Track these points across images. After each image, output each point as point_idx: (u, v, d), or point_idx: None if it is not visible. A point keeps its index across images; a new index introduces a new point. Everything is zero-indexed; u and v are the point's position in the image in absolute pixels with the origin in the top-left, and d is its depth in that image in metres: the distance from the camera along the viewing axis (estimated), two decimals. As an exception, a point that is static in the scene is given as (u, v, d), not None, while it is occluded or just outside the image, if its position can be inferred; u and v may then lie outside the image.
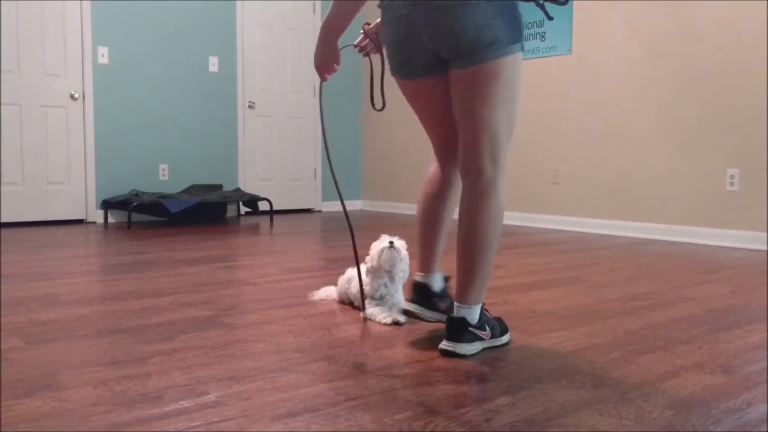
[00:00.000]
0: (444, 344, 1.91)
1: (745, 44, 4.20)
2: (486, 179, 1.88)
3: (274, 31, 6.62)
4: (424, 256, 2.11)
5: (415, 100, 2.04)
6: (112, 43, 5.72)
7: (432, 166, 2.13)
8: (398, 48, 1.94)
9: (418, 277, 2.11)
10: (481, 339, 1.92)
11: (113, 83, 5.75)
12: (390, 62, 2.01)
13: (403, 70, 1.98)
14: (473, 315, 1.89)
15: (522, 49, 1.90)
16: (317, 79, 6.91)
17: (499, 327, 2.01)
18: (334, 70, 2.08)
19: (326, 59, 2.03)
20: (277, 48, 6.65)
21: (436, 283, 2.10)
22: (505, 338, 2.02)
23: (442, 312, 2.07)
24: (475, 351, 1.90)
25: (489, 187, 1.88)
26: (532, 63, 5.49)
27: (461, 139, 1.93)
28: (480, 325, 1.92)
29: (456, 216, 1.97)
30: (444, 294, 2.11)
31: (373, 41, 2.18)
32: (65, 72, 5.56)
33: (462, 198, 1.94)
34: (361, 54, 2.25)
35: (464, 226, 1.91)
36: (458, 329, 1.89)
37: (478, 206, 1.88)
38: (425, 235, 2.11)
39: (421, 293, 2.08)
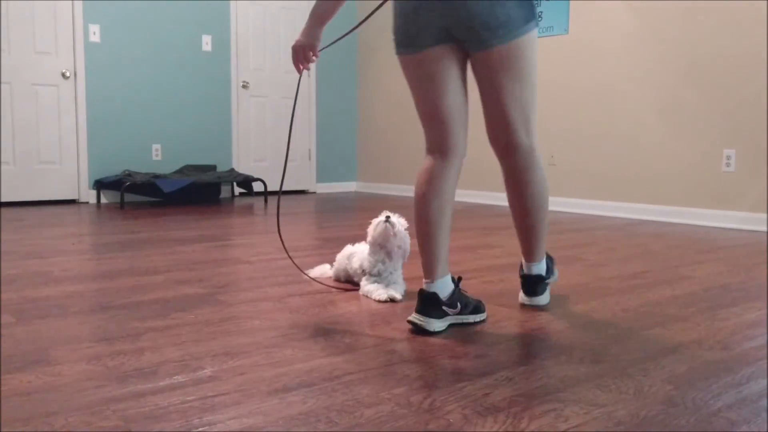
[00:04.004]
0: (532, 300, 2.19)
1: (743, 25, 4.17)
2: (525, 152, 2.01)
3: (268, 10, 6.54)
4: (428, 263, 1.93)
5: (419, 73, 1.95)
6: (104, 21, 5.64)
7: (427, 163, 1.98)
8: (408, 24, 1.92)
9: (424, 285, 1.94)
10: (548, 278, 2.22)
11: (105, 62, 5.68)
12: (398, 38, 1.97)
13: (412, 45, 1.93)
14: (542, 267, 2.18)
15: (536, 25, 1.95)
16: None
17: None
18: (310, 59, 2.13)
19: (305, 43, 2.11)
20: (271, 27, 6.58)
21: (444, 289, 1.92)
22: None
23: (455, 314, 1.94)
24: (550, 282, 2.27)
25: (529, 159, 2.02)
26: (528, 43, 5.43)
27: (493, 120, 1.99)
28: (549, 269, 2.23)
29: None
30: (454, 297, 1.93)
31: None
32: (56, 50, 5.48)
33: (507, 174, 2.06)
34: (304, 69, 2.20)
35: (518, 197, 2.07)
36: (539, 284, 2.18)
37: (527, 178, 2.03)
38: (427, 240, 1.94)
39: (426, 302, 1.90)
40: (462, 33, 1.88)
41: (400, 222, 2.29)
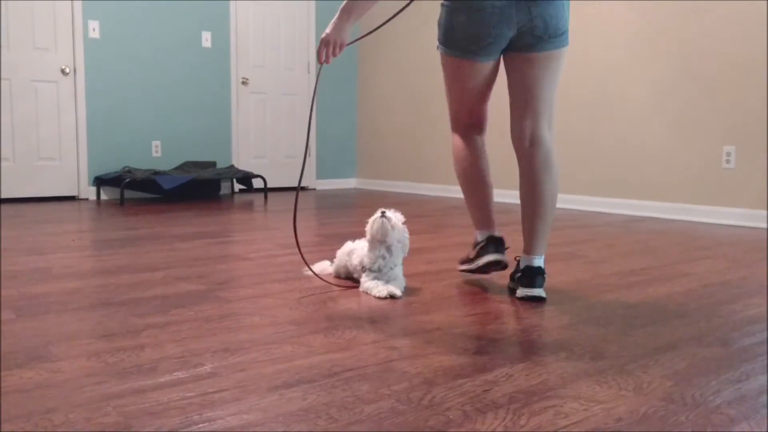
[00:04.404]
0: (530, 291, 2.17)
1: (743, 21, 4.16)
2: (547, 148, 2.22)
3: (267, 6, 6.53)
4: (483, 215, 2.42)
5: (474, 79, 2.28)
6: (103, 17, 5.63)
7: (459, 147, 2.40)
8: (485, 34, 2.17)
9: (482, 236, 2.41)
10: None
11: (105, 58, 5.67)
12: (467, 46, 2.22)
13: (482, 53, 2.22)
14: (543, 261, 2.24)
15: None
16: (312, 56, 6.84)
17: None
18: (336, 54, 2.29)
19: (336, 37, 2.25)
20: (271, 23, 6.57)
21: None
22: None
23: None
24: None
25: (550, 152, 2.22)
26: (528, 39, 5.43)
27: (523, 112, 2.23)
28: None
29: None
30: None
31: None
32: (55, 46, 5.48)
33: (527, 165, 2.23)
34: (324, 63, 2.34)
35: (534, 188, 2.21)
36: (538, 276, 2.19)
37: (546, 170, 2.20)
38: (482, 199, 2.41)
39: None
40: (526, 39, 2.17)
41: (396, 216, 2.29)
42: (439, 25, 2.31)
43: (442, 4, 2.29)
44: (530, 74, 2.20)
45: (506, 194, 5.67)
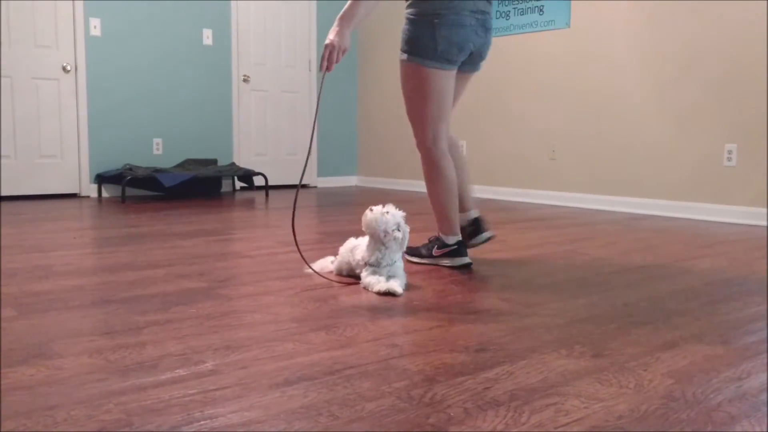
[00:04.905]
0: (488, 234, 2.85)
1: (744, 19, 4.15)
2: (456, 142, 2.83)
3: (268, 4, 6.53)
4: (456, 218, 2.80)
5: (452, 86, 2.62)
6: (105, 15, 5.63)
7: (446, 161, 2.66)
8: (463, 47, 2.54)
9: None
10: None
11: (106, 56, 5.67)
12: (450, 57, 2.54)
13: (455, 63, 2.58)
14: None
15: None
16: (312, 54, 6.84)
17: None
18: (337, 60, 2.43)
19: (341, 44, 2.38)
20: (272, 21, 6.56)
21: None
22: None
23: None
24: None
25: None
26: (529, 37, 5.43)
27: (448, 120, 2.70)
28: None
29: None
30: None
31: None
32: (57, 44, 5.47)
33: (455, 156, 2.75)
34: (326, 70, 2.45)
35: (464, 167, 2.80)
36: (482, 222, 2.87)
37: (462, 156, 2.84)
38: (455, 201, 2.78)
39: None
40: (472, 59, 2.64)
41: (393, 212, 2.29)
42: (412, 40, 2.53)
43: (412, 20, 2.51)
44: (460, 90, 2.73)
45: (505, 192, 5.67)
